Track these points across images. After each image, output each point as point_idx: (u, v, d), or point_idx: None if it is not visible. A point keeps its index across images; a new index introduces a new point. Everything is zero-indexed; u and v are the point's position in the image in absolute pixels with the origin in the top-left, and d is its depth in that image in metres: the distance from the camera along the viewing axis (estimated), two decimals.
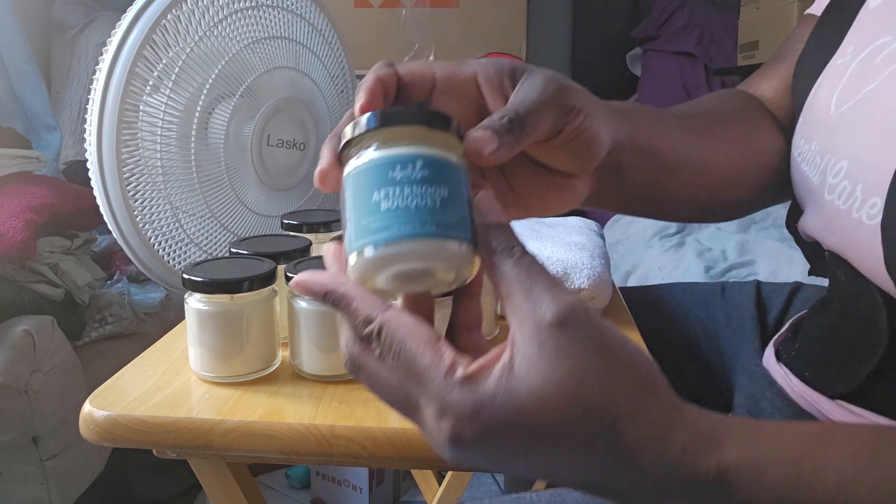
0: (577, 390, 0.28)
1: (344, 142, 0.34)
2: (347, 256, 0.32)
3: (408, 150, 0.32)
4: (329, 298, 0.33)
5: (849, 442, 0.31)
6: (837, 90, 0.45)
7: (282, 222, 0.63)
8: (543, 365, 0.28)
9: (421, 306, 0.35)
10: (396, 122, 0.32)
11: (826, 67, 0.48)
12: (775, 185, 0.54)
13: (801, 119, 0.49)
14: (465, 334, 0.35)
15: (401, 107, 0.35)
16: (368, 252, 0.31)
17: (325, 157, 0.35)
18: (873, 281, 0.40)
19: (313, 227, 0.63)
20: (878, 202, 0.38)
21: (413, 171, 0.31)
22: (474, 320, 0.35)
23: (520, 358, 0.29)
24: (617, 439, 0.29)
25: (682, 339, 0.69)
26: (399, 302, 0.36)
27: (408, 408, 0.32)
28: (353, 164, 0.33)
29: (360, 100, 0.37)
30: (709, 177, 0.51)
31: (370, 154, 0.32)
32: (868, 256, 0.39)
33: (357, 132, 0.33)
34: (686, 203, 0.52)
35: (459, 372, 0.29)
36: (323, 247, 0.34)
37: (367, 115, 0.33)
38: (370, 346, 0.32)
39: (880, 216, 0.37)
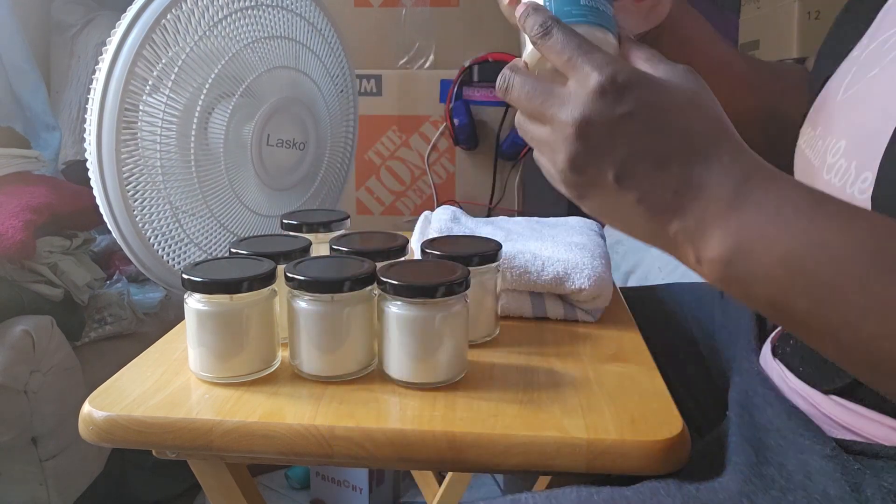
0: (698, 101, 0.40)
1: None
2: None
3: None
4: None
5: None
6: (846, 80, 0.47)
7: (281, 222, 0.63)
8: (683, 80, 0.40)
9: None
10: None
11: (843, 61, 0.50)
12: (775, 139, 0.57)
13: (811, 110, 0.51)
14: None
15: None
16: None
17: None
18: None
19: (313, 227, 0.63)
20: (870, 176, 0.39)
21: None
22: None
23: (662, 70, 0.40)
24: (728, 134, 0.39)
25: (681, 339, 0.69)
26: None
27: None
28: None
29: None
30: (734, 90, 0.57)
31: None
32: None
33: None
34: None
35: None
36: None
37: None
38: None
39: (871, 189, 0.39)
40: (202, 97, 0.71)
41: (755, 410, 0.49)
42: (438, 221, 0.74)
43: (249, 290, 0.49)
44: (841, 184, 0.42)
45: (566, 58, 0.40)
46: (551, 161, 0.40)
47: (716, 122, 0.39)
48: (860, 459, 0.41)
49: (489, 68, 1.65)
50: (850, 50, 0.49)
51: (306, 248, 0.57)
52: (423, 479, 1.18)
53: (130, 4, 0.67)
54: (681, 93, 0.39)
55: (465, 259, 0.54)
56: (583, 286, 0.60)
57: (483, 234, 0.64)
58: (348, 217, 0.66)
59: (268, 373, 0.52)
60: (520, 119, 0.43)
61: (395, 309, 0.48)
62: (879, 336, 0.33)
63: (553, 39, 0.40)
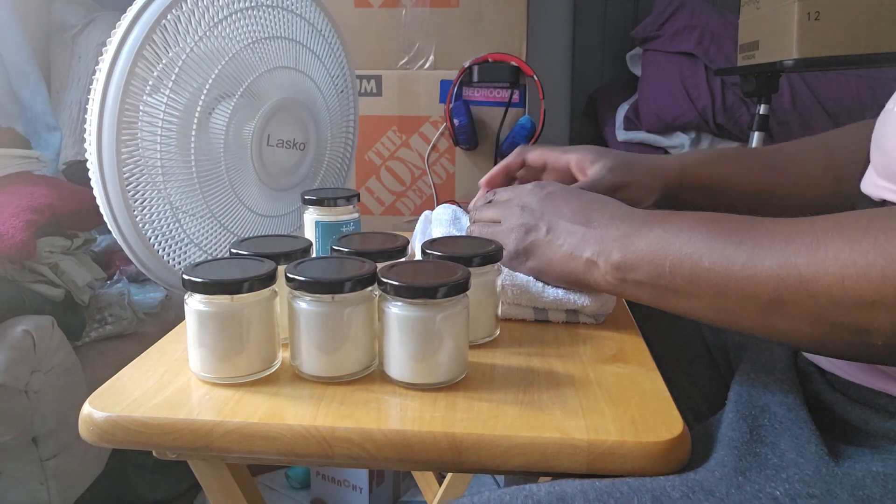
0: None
1: None
2: None
3: None
4: None
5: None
6: None
7: (303, 198, 0.71)
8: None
9: None
10: None
11: None
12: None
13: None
14: None
15: None
16: None
17: None
18: None
19: (331, 201, 0.71)
20: None
21: None
22: None
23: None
24: (621, 204, 0.56)
25: (690, 337, 0.69)
26: None
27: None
28: None
29: (489, 175, 0.74)
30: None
31: None
32: None
33: None
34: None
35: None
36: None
37: None
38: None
39: None
40: (202, 97, 0.71)
41: (755, 392, 0.49)
42: (440, 222, 0.74)
43: (250, 290, 0.49)
44: None
45: (507, 196, 0.62)
46: (508, 233, 0.59)
47: (610, 200, 0.57)
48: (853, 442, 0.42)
49: (489, 68, 1.65)
50: None
51: (307, 249, 0.57)
52: (424, 479, 1.18)
53: (131, 5, 0.67)
54: (584, 191, 0.60)
55: (465, 260, 0.54)
56: (585, 304, 0.59)
57: None
58: (357, 195, 0.74)
59: (268, 373, 0.52)
60: (482, 229, 0.62)
61: (396, 310, 0.48)
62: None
63: (497, 197, 0.64)
